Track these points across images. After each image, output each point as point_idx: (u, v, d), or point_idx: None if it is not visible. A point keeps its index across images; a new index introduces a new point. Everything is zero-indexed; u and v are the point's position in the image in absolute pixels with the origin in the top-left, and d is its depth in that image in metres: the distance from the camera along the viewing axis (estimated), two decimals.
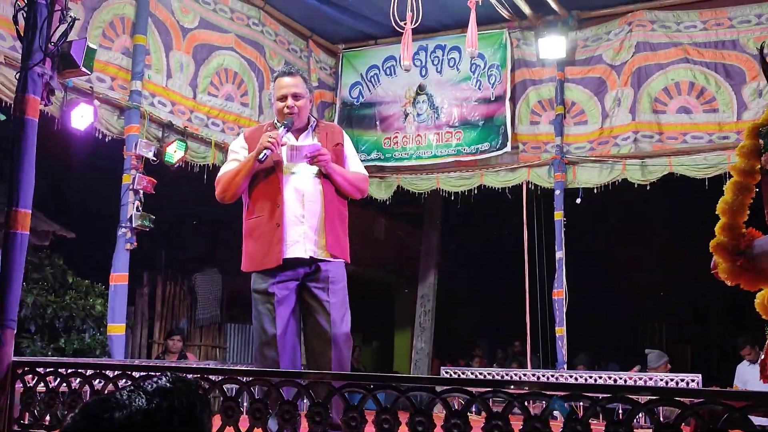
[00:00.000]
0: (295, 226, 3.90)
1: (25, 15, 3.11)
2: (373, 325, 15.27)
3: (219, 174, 4.14)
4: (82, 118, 6.25)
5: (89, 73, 3.47)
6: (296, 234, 3.89)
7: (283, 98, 4.04)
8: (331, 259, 3.95)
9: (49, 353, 7.46)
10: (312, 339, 3.93)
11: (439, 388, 2.49)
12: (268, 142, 3.86)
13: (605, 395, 2.24)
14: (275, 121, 4.14)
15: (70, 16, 3.17)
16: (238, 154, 4.11)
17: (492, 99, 8.72)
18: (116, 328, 6.56)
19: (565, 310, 8.15)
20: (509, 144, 8.56)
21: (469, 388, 2.40)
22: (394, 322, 14.77)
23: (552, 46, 8.29)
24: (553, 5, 8.12)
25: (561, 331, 8.13)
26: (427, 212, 11.24)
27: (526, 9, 8.17)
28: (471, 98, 8.85)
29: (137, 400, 1.07)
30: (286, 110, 4.02)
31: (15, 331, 2.97)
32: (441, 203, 10.68)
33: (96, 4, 6.60)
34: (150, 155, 6.81)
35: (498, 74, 8.70)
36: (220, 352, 10.79)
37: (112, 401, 1.07)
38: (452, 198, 9.11)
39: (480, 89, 8.81)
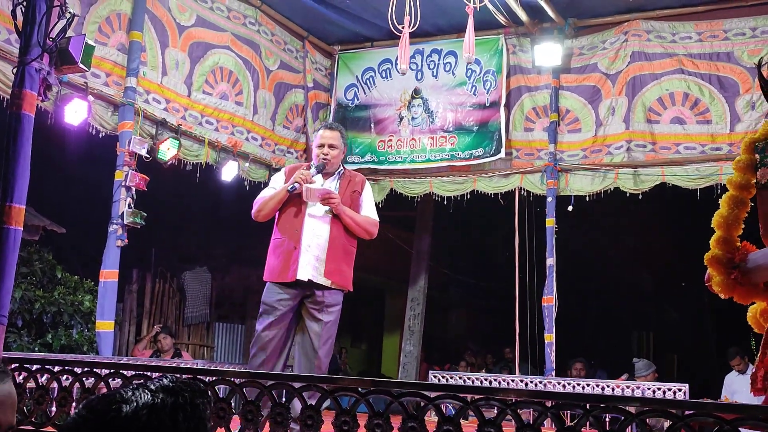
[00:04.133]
0: (305, 253, 4.73)
1: (23, 10, 3.10)
2: (362, 327, 15.26)
3: (258, 196, 5.03)
4: (75, 113, 6.21)
5: (87, 69, 3.45)
6: (305, 259, 4.71)
7: (321, 146, 4.91)
8: (330, 286, 4.73)
9: (36, 348, 7.43)
10: (302, 347, 4.74)
11: (431, 394, 2.49)
12: (300, 177, 4.75)
13: (598, 405, 2.25)
14: (312, 162, 4.99)
15: (69, 12, 3.15)
16: (277, 183, 5.02)
17: (487, 105, 8.72)
18: (105, 325, 6.51)
19: (554, 317, 8.16)
20: (503, 150, 8.56)
21: (462, 395, 2.40)
22: (383, 324, 14.76)
23: (548, 53, 8.29)
24: (550, 13, 8.14)
25: (550, 338, 8.14)
26: (419, 216, 11.23)
27: (522, 16, 8.18)
28: (466, 103, 8.85)
29: (143, 395, 1.07)
30: (321, 156, 4.90)
31: (5, 327, 2.95)
32: (433, 207, 10.68)
33: None
34: (143, 152, 6.77)
35: (493, 80, 8.71)
36: (208, 351, 10.77)
37: (117, 397, 1.07)
38: (445, 202, 9.11)
39: (475, 94, 8.81)
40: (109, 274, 6.54)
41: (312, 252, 4.71)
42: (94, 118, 6.54)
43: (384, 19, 6.55)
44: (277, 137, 8.85)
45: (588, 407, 2.28)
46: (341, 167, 5.05)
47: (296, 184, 4.73)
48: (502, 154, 8.59)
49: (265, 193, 5.00)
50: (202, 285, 10.59)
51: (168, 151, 7.12)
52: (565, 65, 8.50)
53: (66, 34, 3.16)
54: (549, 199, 8.35)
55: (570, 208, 8.37)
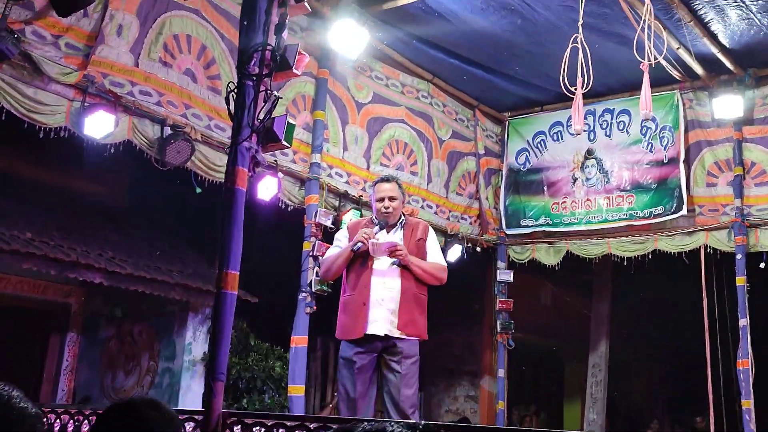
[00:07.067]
0: (376, 307, 4.76)
1: (234, 97, 3.46)
2: (540, 394, 14.93)
3: (323, 257, 5.11)
4: (267, 189, 6.66)
5: (289, 146, 3.77)
6: (377, 314, 4.75)
7: (381, 200, 4.97)
8: (405, 337, 4.77)
9: None
10: (385, 401, 4.79)
11: None
12: (363, 236, 4.80)
13: None
14: (373, 217, 5.10)
15: (274, 95, 3.48)
16: (341, 242, 5.07)
17: (665, 161, 8.50)
18: (296, 389, 6.80)
19: (752, 382, 7.66)
20: (685, 207, 8.28)
21: None
22: (563, 391, 14.36)
23: (728, 105, 8.01)
24: (728, 64, 7.87)
25: (748, 404, 7.63)
26: (596, 278, 10.99)
27: (698, 69, 7.97)
28: (642, 161, 8.68)
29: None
30: (383, 210, 4.95)
31: (224, 384, 3.21)
32: (611, 269, 10.42)
33: (281, 83, 7.10)
34: (328, 223, 7.15)
35: (671, 136, 8.50)
36: None
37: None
38: (624, 263, 8.87)
39: (652, 152, 8.62)
40: (300, 340, 6.87)
41: (385, 306, 4.77)
42: (284, 193, 7.00)
43: (553, 82, 6.62)
44: (451, 204, 9.05)
45: None
46: (402, 217, 5.09)
47: (360, 243, 4.80)
48: (684, 212, 8.31)
49: (331, 252, 5.11)
50: None
51: (350, 221, 7.46)
52: (748, 117, 8.16)
53: (271, 116, 3.48)
54: (738, 256, 7.95)
55: (762, 265, 7.92)
